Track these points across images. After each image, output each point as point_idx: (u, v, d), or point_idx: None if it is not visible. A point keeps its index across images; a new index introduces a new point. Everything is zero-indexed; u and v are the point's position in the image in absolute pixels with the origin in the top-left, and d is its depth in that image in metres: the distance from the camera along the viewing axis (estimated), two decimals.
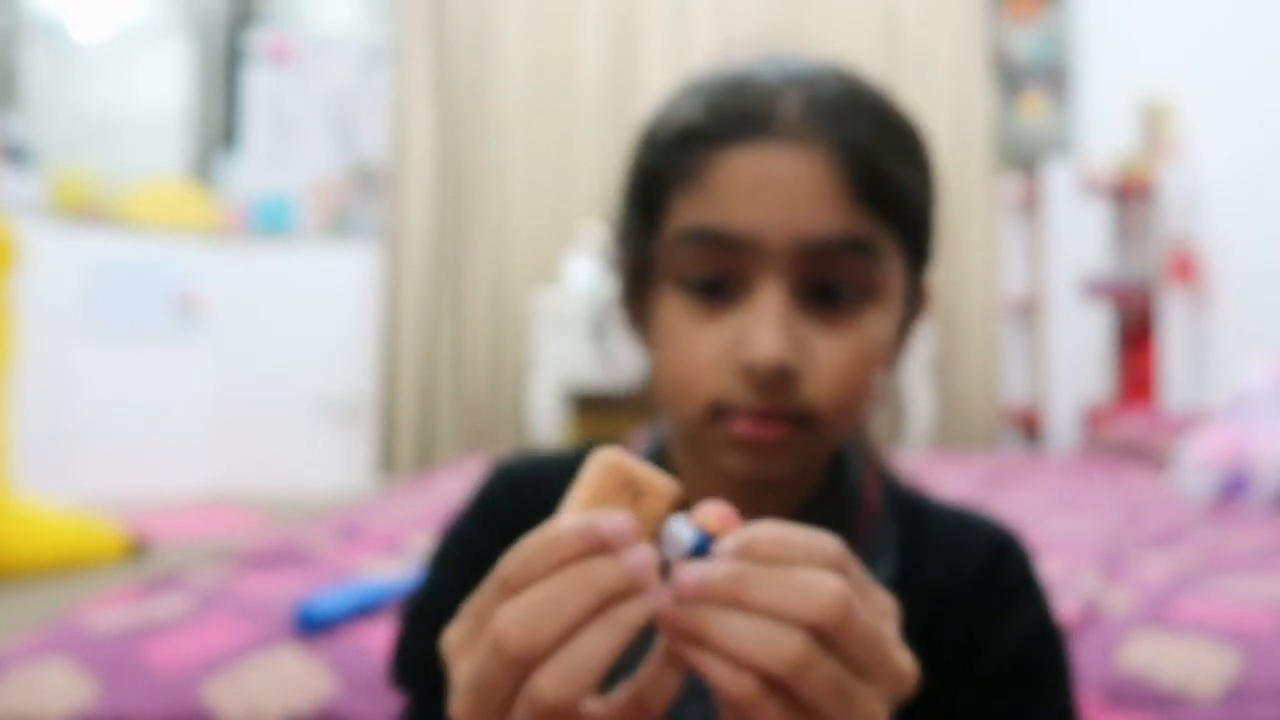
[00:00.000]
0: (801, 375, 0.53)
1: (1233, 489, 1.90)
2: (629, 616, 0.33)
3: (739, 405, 0.54)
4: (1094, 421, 3.21)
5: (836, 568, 0.34)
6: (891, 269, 0.56)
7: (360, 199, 4.15)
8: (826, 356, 0.54)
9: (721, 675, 0.32)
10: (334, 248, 4.06)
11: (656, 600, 0.33)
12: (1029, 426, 3.62)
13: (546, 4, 3.90)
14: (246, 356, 3.98)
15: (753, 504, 0.55)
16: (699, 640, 0.33)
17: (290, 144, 4.14)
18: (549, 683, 0.32)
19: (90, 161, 3.91)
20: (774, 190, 0.53)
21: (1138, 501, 1.92)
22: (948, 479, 2.13)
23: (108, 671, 0.98)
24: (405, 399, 3.82)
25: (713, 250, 0.54)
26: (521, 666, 0.32)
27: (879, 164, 0.54)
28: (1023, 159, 3.83)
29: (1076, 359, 3.32)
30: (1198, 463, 1.99)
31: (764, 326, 0.52)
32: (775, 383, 0.53)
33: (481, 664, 0.33)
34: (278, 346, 3.99)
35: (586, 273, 3.44)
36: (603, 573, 0.33)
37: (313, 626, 1.04)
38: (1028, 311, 3.66)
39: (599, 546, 0.33)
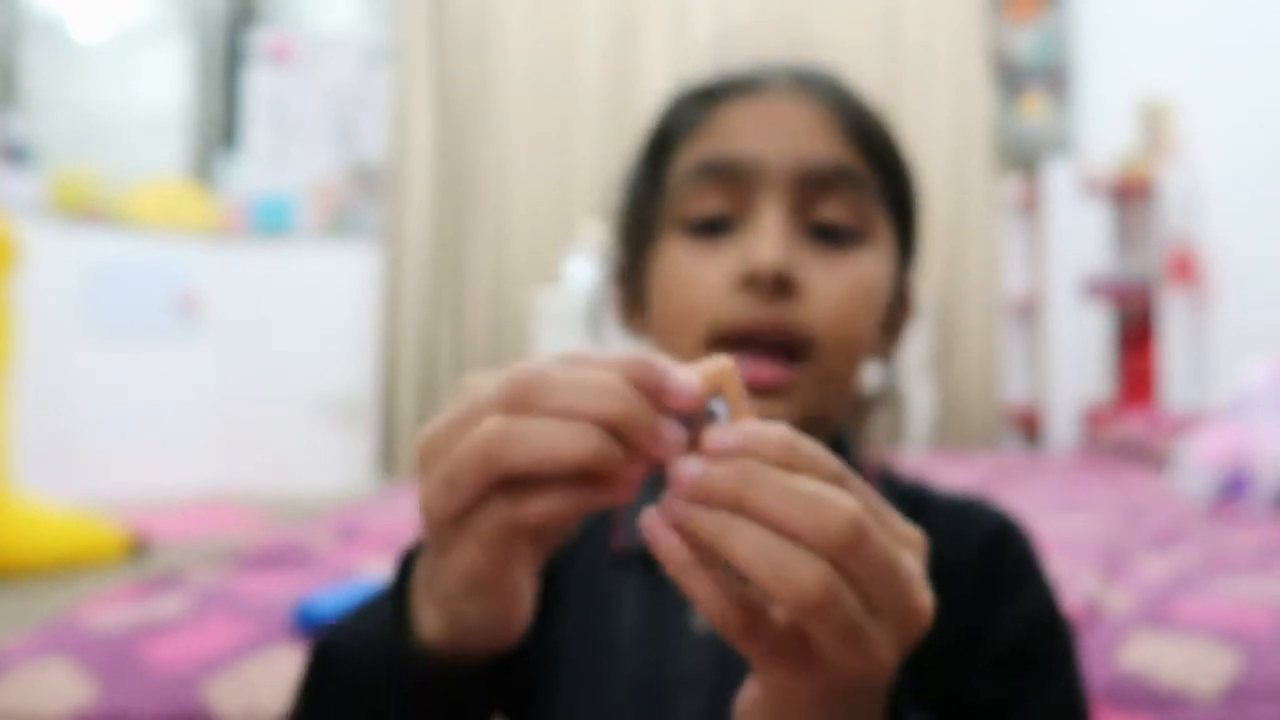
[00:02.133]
0: (801, 292, 0.55)
1: (1233, 489, 1.90)
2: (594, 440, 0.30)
3: (740, 321, 0.54)
4: (1094, 421, 3.21)
5: (841, 483, 0.31)
6: (881, 218, 0.59)
7: (360, 199, 4.15)
8: (825, 281, 0.56)
9: (716, 608, 0.31)
10: (334, 248, 4.06)
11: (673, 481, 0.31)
12: (1029, 426, 3.61)
13: (546, 4, 3.90)
14: (246, 356, 3.98)
15: None
16: (711, 547, 0.30)
17: (290, 144, 4.14)
18: (495, 426, 0.31)
19: (90, 161, 3.90)
20: (773, 125, 0.57)
21: (1138, 501, 1.91)
22: (947, 479, 2.13)
23: (108, 671, 0.98)
24: (405, 399, 3.82)
25: (716, 181, 0.57)
26: (502, 407, 0.32)
27: (867, 120, 0.59)
28: (1023, 159, 3.83)
29: (1076, 359, 3.32)
30: (1198, 463, 1.99)
31: (765, 239, 0.54)
32: (775, 290, 0.54)
33: (460, 405, 0.33)
34: (278, 346, 3.99)
35: (586, 273, 3.44)
36: (613, 392, 0.31)
37: (313, 626, 1.04)
38: (1028, 311, 3.66)
39: (641, 379, 0.31)
